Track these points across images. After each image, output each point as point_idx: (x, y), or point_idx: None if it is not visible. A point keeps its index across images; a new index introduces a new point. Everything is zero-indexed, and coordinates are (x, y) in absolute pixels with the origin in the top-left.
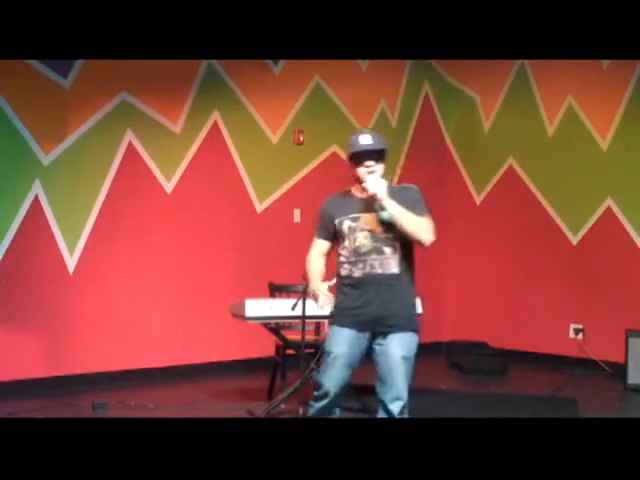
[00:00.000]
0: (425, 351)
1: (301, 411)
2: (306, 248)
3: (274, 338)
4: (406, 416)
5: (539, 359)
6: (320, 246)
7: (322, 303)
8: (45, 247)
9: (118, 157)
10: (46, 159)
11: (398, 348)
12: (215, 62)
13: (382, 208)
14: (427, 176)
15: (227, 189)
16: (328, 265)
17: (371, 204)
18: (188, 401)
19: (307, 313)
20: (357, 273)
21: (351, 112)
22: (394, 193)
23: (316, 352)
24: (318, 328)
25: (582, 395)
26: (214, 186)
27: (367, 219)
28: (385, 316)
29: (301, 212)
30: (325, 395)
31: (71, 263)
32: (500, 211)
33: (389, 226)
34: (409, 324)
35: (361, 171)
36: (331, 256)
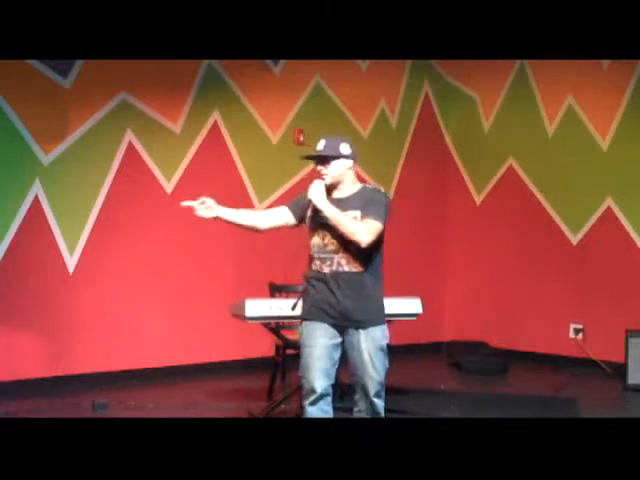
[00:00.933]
0: (425, 351)
1: (301, 411)
2: (306, 248)
3: (274, 338)
4: (382, 397)
5: (539, 359)
6: (281, 211)
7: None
8: (45, 247)
9: (118, 157)
10: (46, 159)
11: (367, 341)
12: (215, 62)
13: (319, 211)
14: (427, 176)
15: (227, 189)
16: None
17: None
18: (188, 401)
19: None
20: (326, 269)
21: (351, 112)
22: (363, 192)
23: None
24: None
25: (582, 395)
26: (214, 186)
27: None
28: (353, 312)
29: None
30: (312, 391)
31: (71, 263)
32: (500, 211)
33: None
34: (377, 318)
35: (316, 174)
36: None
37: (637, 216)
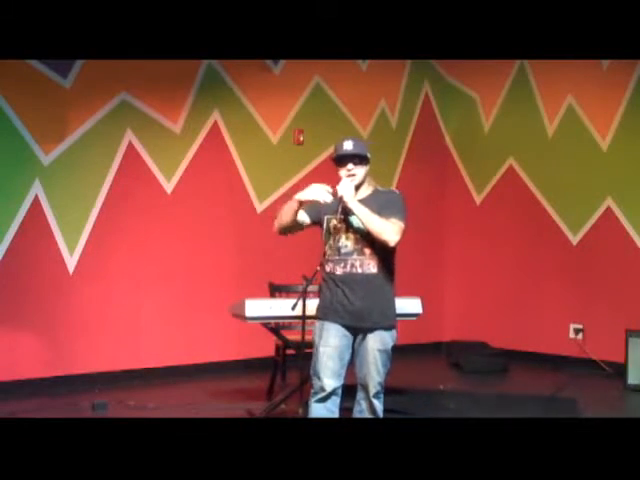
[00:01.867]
0: (425, 351)
1: (301, 411)
2: (306, 248)
3: (274, 338)
4: (381, 399)
5: (539, 359)
6: (300, 215)
7: (319, 190)
8: (45, 247)
9: (118, 157)
10: (46, 159)
11: (375, 342)
12: (215, 62)
13: (349, 211)
14: (427, 176)
15: (227, 189)
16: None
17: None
18: (188, 401)
19: (307, 313)
20: (339, 271)
21: (351, 112)
22: (377, 195)
23: None
24: None
25: (582, 395)
26: (214, 186)
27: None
28: (365, 313)
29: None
30: (322, 389)
31: (71, 263)
32: (500, 211)
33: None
34: (387, 321)
35: (342, 173)
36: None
37: (637, 216)
